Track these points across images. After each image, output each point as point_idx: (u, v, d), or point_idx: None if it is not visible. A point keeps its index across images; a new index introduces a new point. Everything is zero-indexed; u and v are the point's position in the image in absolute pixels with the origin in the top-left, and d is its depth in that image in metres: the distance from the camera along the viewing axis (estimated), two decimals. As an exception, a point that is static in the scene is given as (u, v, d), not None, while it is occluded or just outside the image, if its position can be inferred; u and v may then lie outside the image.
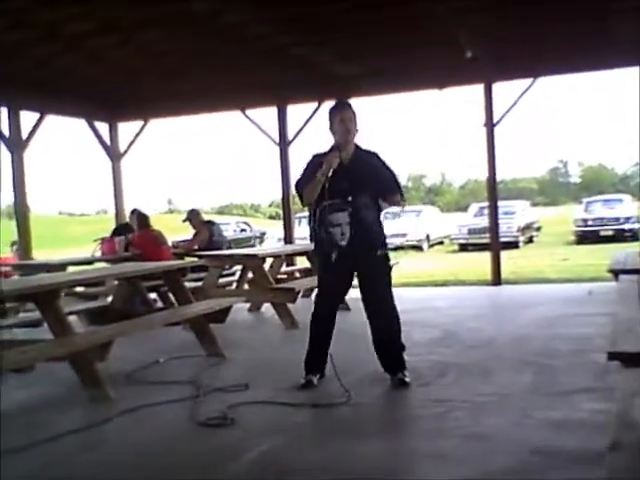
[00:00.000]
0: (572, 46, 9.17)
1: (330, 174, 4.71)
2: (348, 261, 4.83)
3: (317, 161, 4.85)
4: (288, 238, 11.50)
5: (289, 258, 10.25)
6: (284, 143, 11.24)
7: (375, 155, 4.99)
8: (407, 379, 4.84)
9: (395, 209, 5.09)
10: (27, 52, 8.27)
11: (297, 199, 5.25)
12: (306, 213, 5.15)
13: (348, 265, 4.87)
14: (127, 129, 12.26)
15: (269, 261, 8.78)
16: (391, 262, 5.10)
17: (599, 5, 7.60)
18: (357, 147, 4.94)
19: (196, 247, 9.49)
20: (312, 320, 5.05)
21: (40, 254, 11.41)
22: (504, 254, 11.21)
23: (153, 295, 8.22)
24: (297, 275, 9.73)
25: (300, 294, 7.76)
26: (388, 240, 5.10)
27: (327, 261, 4.89)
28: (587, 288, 8.96)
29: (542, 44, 9.04)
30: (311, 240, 5.03)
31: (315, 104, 10.87)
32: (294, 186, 5.12)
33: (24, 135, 10.37)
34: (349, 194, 4.76)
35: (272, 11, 7.38)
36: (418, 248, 22.63)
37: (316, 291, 5.20)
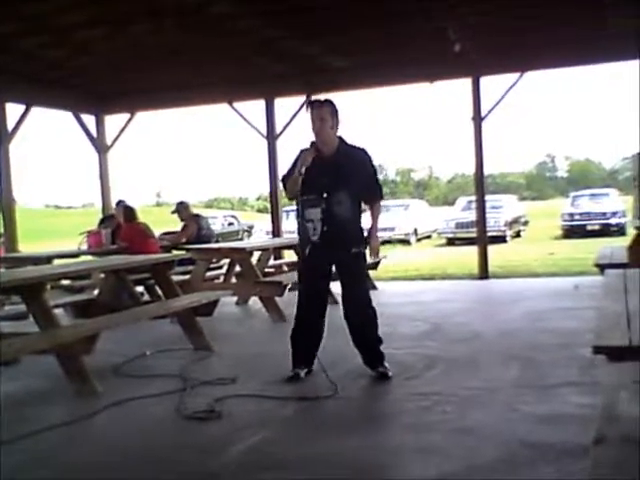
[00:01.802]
0: (560, 41, 9.17)
1: (303, 170, 4.73)
2: (322, 256, 4.84)
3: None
4: (276, 231, 11.49)
5: (277, 251, 10.24)
6: (272, 136, 11.21)
7: (362, 151, 4.98)
8: (389, 372, 4.87)
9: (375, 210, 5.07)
10: (13, 44, 8.20)
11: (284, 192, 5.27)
12: (294, 207, 5.16)
13: (323, 260, 4.88)
14: (114, 121, 12.21)
15: (257, 254, 8.77)
16: (369, 258, 5.09)
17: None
18: (343, 142, 4.93)
19: (184, 240, 9.47)
20: (296, 314, 5.07)
21: (26, 247, 11.35)
22: (491, 248, 11.24)
23: (140, 288, 8.19)
24: (285, 268, 9.72)
25: (288, 287, 7.75)
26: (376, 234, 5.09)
27: (303, 255, 4.93)
28: (573, 282, 9.00)
29: (530, 38, 9.06)
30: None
31: (303, 97, 10.83)
32: (281, 180, 5.13)
33: (10, 127, 10.29)
34: (325, 190, 4.77)
35: (260, 3, 7.35)
36: (406, 242, 22.64)
37: (298, 286, 5.21)
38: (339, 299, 5.04)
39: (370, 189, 4.98)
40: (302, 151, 4.92)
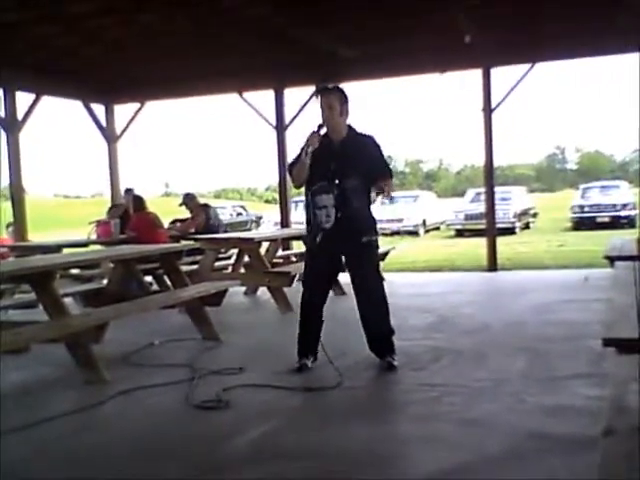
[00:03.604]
0: (571, 31, 9.10)
1: (310, 150, 4.68)
2: (333, 244, 4.81)
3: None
4: (284, 222, 11.49)
5: (285, 242, 10.24)
6: (281, 127, 11.19)
7: (370, 138, 4.94)
8: (395, 363, 4.87)
9: (383, 198, 4.99)
10: (24, 33, 8.20)
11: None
12: (302, 197, 5.15)
13: (333, 248, 4.84)
14: (123, 111, 12.22)
15: (265, 245, 8.77)
16: (381, 248, 5.05)
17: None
18: (351, 130, 4.90)
19: (193, 230, 9.49)
20: (301, 303, 5.05)
21: (36, 236, 11.38)
22: (500, 240, 11.21)
23: (149, 278, 8.22)
24: (293, 259, 9.72)
25: (296, 278, 7.75)
26: (385, 225, 5.10)
27: (313, 243, 4.90)
28: (583, 274, 8.97)
29: (541, 29, 9.00)
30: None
31: (313, 87, 10.79)
32: (287, 167, 5.11)
33: (20, 116, 10.31)
34: (336, 177, 4.73)
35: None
36: (414, 233, 22.61)
37: (303, 274, 5.19)
38: (347, 290, 5.02)
39: (379, 168, 4.89)
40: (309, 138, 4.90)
